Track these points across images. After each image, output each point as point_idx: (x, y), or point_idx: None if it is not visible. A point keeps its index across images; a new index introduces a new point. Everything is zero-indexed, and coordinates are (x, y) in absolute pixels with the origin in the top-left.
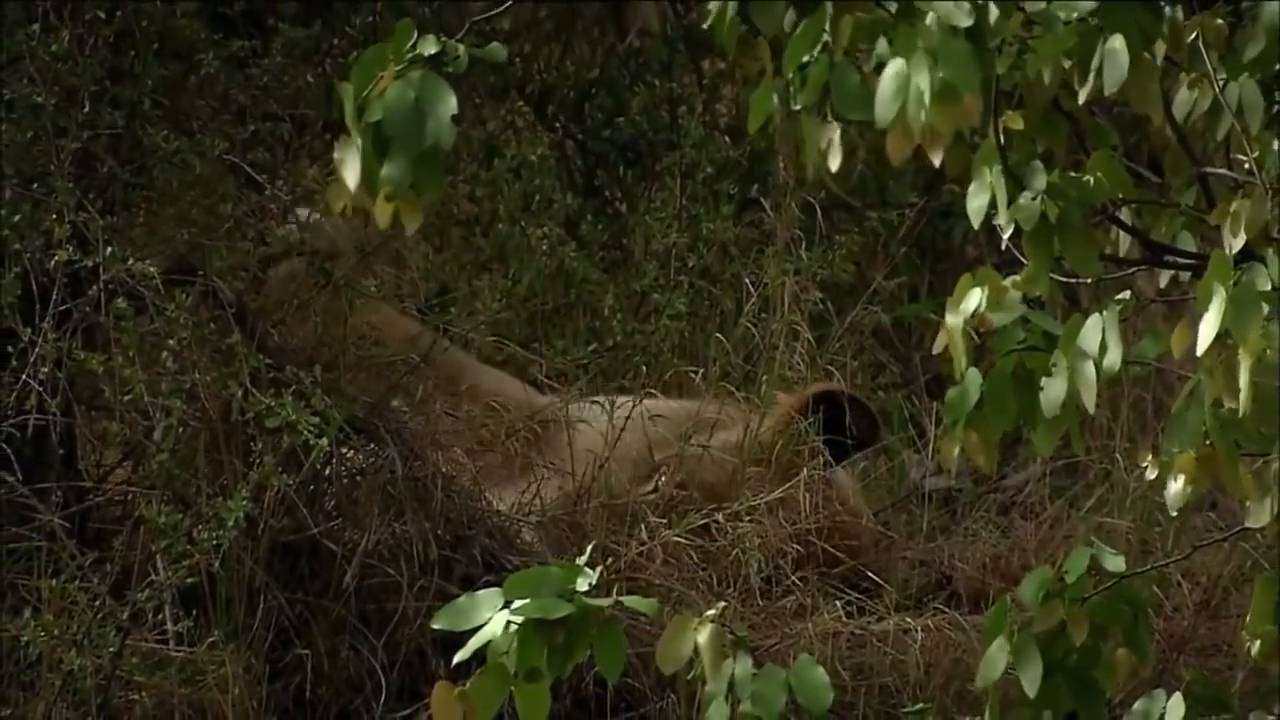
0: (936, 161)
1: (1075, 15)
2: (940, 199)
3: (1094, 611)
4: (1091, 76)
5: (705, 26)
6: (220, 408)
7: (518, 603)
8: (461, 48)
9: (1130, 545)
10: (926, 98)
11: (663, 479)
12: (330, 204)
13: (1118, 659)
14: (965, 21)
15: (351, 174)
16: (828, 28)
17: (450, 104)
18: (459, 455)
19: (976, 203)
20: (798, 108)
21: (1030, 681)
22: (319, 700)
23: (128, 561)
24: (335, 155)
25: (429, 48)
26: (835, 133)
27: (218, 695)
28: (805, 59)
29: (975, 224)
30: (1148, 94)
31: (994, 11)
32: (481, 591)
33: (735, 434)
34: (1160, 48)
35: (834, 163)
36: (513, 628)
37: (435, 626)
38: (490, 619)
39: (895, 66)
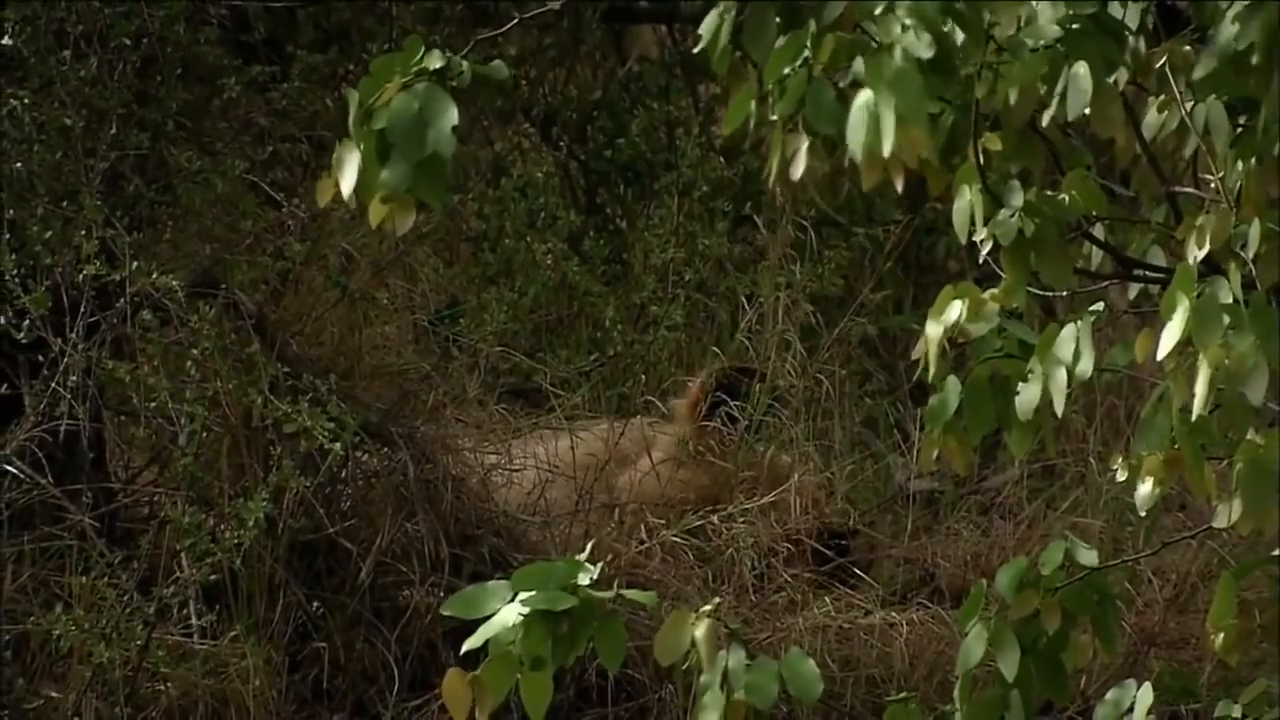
0: (899, 186)
1: (1042, 42)
2: (924, 217)
3: (1065, 600)
4: (1055, 101)
5: (695, 51)
6: (241, 414)
7: (525, 594)
8: (465, 63)
9: (1103, 544)
10: (890, 126)
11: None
12: (317, 198)
13: (1081, 643)
14: (927, 53)
15: (348, 175)
16: (809, 44)
17: (451, 115)
18: (468, 458)
19: (960, 218)
20: (774, 117)
21: (1009, 667)
22: (335, 691)
23: (154, 559)
24: (334, 156)
25: (434, 62)
26: (803, 143)
27: (239, 686)
28: (786, 71)
29: (961, 238)
30: (1110, 118)
31: (959, 37)
32: (490, 583)
33: (666, 447)
34: (1123, 73)
35: (796, 171)
36: (520, 618)
37: (445, 613)
38: (498, 609)
39: (864, 97)
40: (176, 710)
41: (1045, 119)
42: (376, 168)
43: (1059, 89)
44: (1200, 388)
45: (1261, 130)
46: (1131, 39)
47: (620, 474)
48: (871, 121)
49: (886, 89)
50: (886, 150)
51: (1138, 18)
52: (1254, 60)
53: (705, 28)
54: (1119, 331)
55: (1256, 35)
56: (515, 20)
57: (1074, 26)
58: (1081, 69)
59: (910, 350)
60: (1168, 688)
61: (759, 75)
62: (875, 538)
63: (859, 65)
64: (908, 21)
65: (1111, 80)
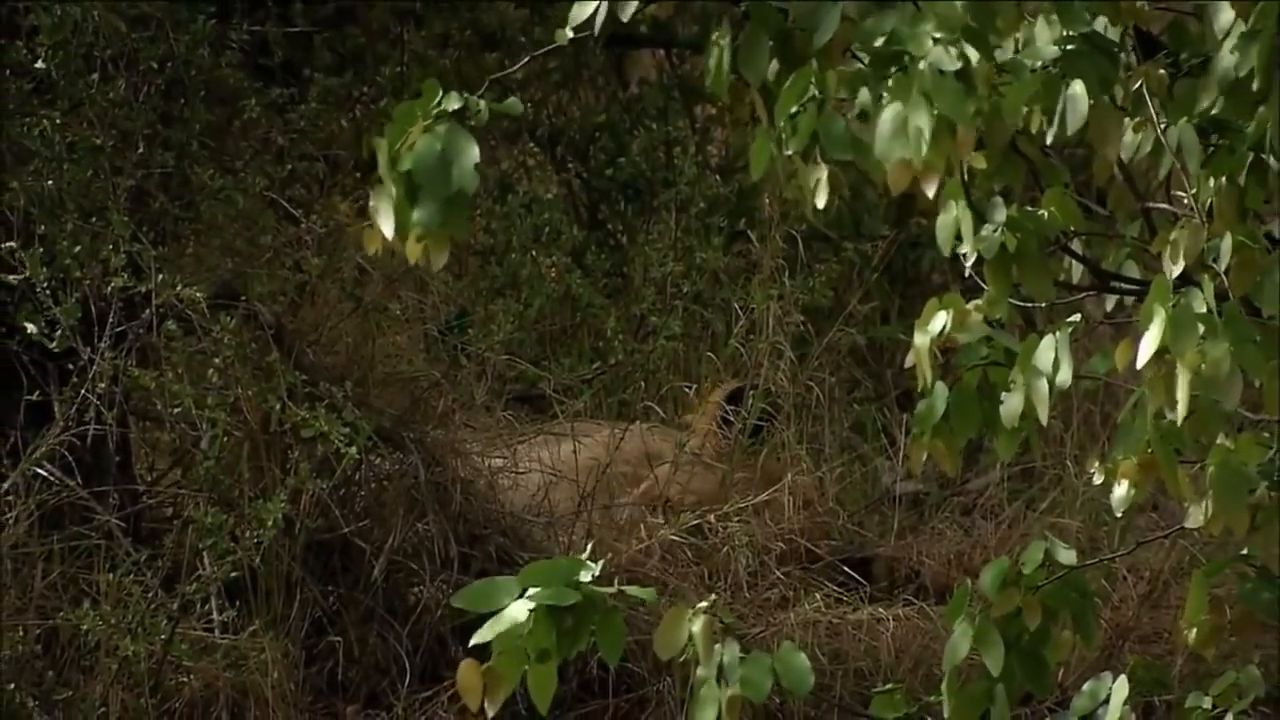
0: (931, 193)
1: (1040, 63)
2: (910, 231)
3: (1046, 597)
4: (1055, 121)
5: (702, 79)
6: (260, 419)
7: (532, 590)
8: (483, 103)
9: (1080, 543)
10: (926, 133)
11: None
12: (364, 246)
13: (1063, 639)
14: (953, 66)
15: (387, 221)
16: (813, 81)
17: (473, 153)
18: (476, 462)
19: (944, 233)
20: (789, 153)
21: (993, 662)
22: (350, 683)
23: (177, 558)
24: (370, 204)
25: (453, 104)
26: (823, 173)
27: (259, 678)
28: (794, 109)
29: (945, 251)
30: (1107, 133)
31: (974, 57)
32: (499, 578)
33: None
34: (1118, 90)
35: (821, 200)
36: (529, 613)
37: (455, 605)
38: (508, 603)
39: (892, 109)
40: (199, 701)
41: (1049, 138)
42: (408, 208)
43: (1058, 108)
44: (1181, 394)
45: (1269, 148)
46: (1123, 57)
47: (644, 481)
48: (901, 131)
49: (921, 99)
50: (921, 156)
51: (1118, 42)
52: (1255, 86)
53: (708, 59)
54: (1095, 341)
55: (1256, 62)
56: (526, 59)
57: (1070, 47)
58: (1078, 88)
59: (896, 359)
60: (1142, 680)
61: (757, 94)
62: (895, 559)
63: (864, 95)
64: (937, 35)
65: (1107, 98)
